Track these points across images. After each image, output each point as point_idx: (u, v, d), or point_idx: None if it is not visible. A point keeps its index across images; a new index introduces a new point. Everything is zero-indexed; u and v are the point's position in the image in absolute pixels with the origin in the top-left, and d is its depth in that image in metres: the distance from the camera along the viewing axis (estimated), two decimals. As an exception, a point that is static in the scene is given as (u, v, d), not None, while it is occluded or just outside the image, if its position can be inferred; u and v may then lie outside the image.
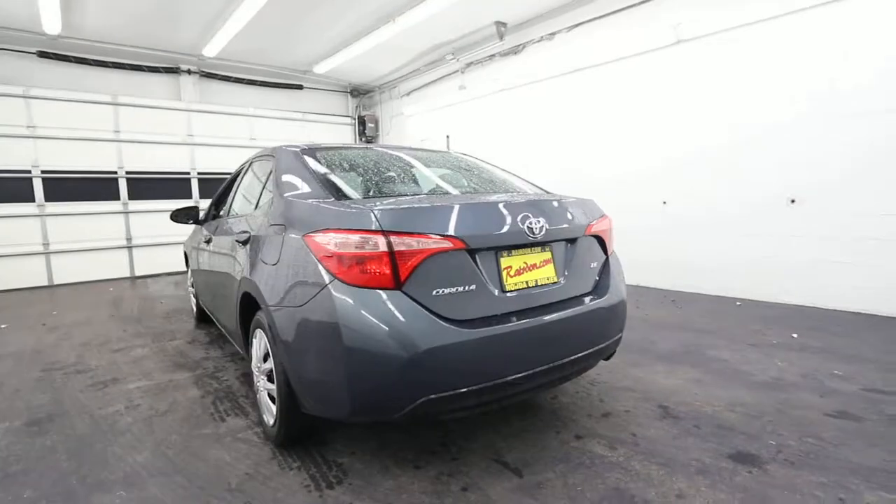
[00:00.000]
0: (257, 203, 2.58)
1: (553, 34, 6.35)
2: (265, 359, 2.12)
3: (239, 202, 3.01)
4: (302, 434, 2.09)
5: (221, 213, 3.79)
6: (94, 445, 2.20)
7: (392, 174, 2.42)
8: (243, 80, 8.49)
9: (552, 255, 2.00)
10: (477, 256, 1.77)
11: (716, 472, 1.86)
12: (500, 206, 1.92)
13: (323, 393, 1.75)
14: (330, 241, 1.69)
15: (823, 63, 4.14)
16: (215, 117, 8.15)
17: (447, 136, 8.35)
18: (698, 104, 5.00)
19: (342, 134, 9.78)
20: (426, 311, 1.63)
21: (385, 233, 1.65)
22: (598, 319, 2.03)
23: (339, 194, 2.03)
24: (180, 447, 2.16)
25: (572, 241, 2.08)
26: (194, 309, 4.48)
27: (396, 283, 1.63)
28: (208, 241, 3.24)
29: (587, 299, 2.04)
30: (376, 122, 9.88)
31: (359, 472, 1.92)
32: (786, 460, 1.94)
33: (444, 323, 1.64)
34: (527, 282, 1.89)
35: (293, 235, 1.88)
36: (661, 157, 5.37)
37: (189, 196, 8.00)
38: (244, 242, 2.34)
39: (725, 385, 2.69)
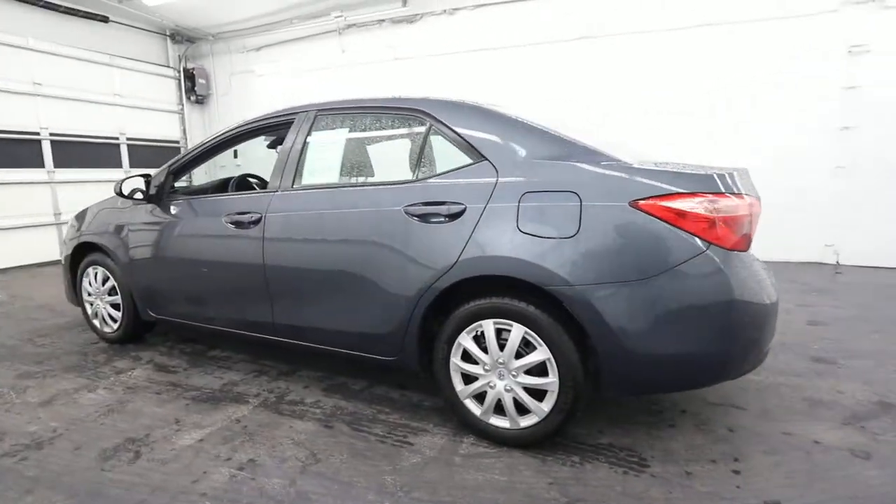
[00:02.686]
0: (417, 169, 2.06)
1: (456, 10, 6.42)
2: (517, 355, 1.81)
3: (344, 170, 2.27)
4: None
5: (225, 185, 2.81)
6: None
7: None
8: (13, -7, 5.75)
9: None
10: None
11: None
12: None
13: (682, 365, 1.66)
14: (698, 205, 1.60)
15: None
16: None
17: (321, 104, 7.48)
18: (604, 94, 5.90)
19: (163, 89, 7.65)
20: (765, 270, 1.74)
21: (740, 195, 1.67)
22: None
23: (597, 154, 1.85)
24: None
25: None
26: (103, 315, 3.09)
27: (749, 244, 1.69)
28: (213, 222, 2.41)
29: None
30: (207, 79, 8.06)
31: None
32: (839, 354, 2.76)
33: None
34: None
35: (606, 203, 1.66)
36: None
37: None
38: (453, 216, 1.87)
39: None
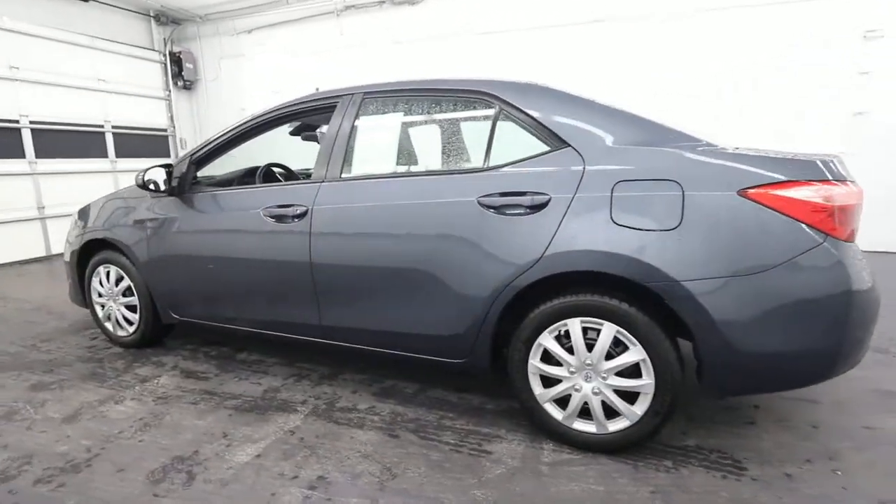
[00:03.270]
0: (487, 156, 1.89)
1: (462, -10, 6.18)
2: (607, 356, 1.69)
3: (400, 158, 2.09)
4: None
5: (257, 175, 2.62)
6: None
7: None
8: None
9: None
10: None
11: None
12: None
13: (790, 362, 1.56)
14: (814, 194, 1.48)
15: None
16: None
17: (317, 89, 7.17)
18: (614, 77, 5.77)
19: (148, 74, 7.22)
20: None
21: (850, 182, 1.56)
22: None
23: (691, 139, 1.72)
24: None
25: None
26: (117, 318, 2.86)
27: (853, 236, 1.59)
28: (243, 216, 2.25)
29: None
30: (195, 63, 7.65)
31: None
32: None
33: None
34: None
35: (711, 193, 1.54)
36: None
37: None
38: (535, 207, 1.72)
39: None
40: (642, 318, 1.63)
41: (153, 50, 7.33)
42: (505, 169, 1.83)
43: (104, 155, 6.60)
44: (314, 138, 3.32)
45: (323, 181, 2.14)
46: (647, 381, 1.66)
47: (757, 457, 1.76)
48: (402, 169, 2.15)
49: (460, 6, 6.22)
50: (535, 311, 1.78)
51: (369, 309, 2.07)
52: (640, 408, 1.69)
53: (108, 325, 2.94)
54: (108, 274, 2.84)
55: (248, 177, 2.84)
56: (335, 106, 2.25)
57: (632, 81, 5.66)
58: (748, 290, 1.52)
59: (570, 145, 1.75)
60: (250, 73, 7.42)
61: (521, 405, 1.90)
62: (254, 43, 7.31)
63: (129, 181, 4.64)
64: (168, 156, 7.47)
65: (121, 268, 2.77)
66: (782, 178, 1.52)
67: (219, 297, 2.47)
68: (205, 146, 2.54)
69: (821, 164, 1.56)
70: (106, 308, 2.91)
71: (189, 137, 7.69)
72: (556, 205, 1.70)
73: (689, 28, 5.42)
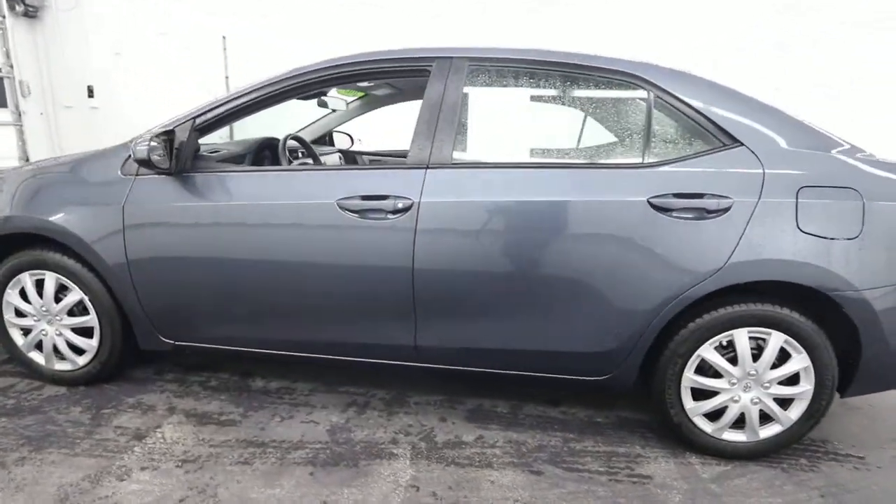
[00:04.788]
0: (645, 150, 1.66)
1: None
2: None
3: (534, 145, 1.69)
4: None
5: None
6: None
7: None
8: None
9: None
10: None
11: None
12: None
13: None
14: None
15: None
16: None
17: (223, 37, 5.93)
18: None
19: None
20: None
21: None
22: None
23: (846, 144, 1.71)
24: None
25: None
26: (55, 346, 2.01)
27: None
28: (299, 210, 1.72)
29: None
30: (34, -18, 5.69)
31: None
32: None
33: None
34: None
35: (890, 202, 1.55)
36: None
37: None
38: (717, 212, 1.56)
39: None
40: (811, 327, 1.61)
41: (-32, -47, 5.26)
42: (671, 166, 1.63)
43: None
44: (325, 104, 2.70)
45: (427, 166, 1.69)
46: (806, 388, 1.66)
47: (859, 443, 1.90)
48: (534, 157, 1.80)
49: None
50: (695, 321, 1.65)
51: (491, 325, 1.72)
52: (794, 413, 1.69)
53: (36, 357, 2.03)
54: (37, 283, 1.94)
55: (264, 150, 2.16)
56: (426, 70, 1.79)
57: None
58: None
59: (743, 144, 1.62)
60: (128, 6, 5.79)
61: (663, 420, 1.78)
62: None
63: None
64: (3, 104, 5.52)
65: (65, 274, 1.91)
66: None
67: (254, 314, 1.85)
68: (214, 107, 1.84)
69: None
70: (34, 333, 2.00)
71: (34, 81, 5.76)
72: (740, 210, 1.56)
73: (648, 7, 5.38)
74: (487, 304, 1.71)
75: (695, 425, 1.75)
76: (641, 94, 1.71)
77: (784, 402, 1.70)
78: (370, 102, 3.08)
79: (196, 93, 5.81)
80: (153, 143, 1.68)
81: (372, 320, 1.79)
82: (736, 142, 1.63)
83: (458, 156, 1.71)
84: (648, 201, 1.58)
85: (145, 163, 1.68)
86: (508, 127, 1.75)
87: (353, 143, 3.56)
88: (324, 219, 1.71)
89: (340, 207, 1.69)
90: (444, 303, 1.72)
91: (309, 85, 1.83)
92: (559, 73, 1.76)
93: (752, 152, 1.62)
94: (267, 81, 1.82)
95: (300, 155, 2.38)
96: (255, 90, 1.82)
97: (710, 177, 1.60)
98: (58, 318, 1.96)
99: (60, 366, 2.03)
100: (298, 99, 1.91)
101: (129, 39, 5.82)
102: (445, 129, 1.71)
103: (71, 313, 1.96)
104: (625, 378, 1.75)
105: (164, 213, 1.81)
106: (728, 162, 1.62)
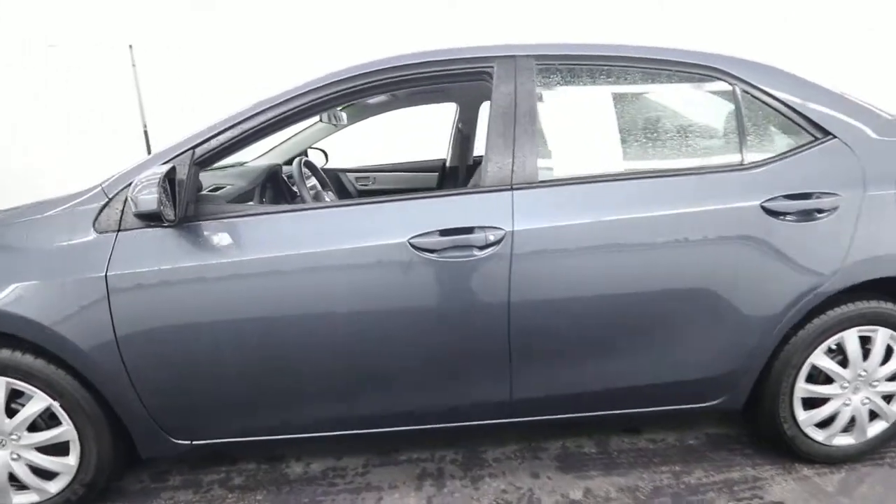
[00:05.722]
0: (741, 148, 1.51)
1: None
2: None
3: (624, 151, 1.45)
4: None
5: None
6: None
7: None
8: None
9: None
10: None
11: None
12: None
13: None
14: None
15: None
16: None
17: (130, 46, 5.07)
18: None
19: None
20: None
21: None
22: None
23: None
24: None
25: None
26: (11, 473, 1.46)
27: None
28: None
29: None
30: None
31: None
32: None
33: None
34: None
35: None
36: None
37: None
38: (825, 210, 1.45)
39: None
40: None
41: None
42: (773, 165, 1.50)
43: None
44: (332, 119, 2.29)
45: (512, 187, 1.42)
46: None
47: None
48: (627, 164, 1.56)
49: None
50: (805, 328, 1.54)
51: (599, 363, 1.49)
52: (896, 406, 1.66)
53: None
54: (-21, 394, 1.38)
55: (272, 181, 1.74)
56: (484, 73, 1.51)
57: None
58: None
59: (836, 137, 1.54)
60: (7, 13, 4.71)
61: (774, 435, 1.67)
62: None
63: None
64: None
65: (18, 376, 1.37)
66: None
67: (306, 390, 1.45)
68: (221, 131, 1.42)
69: None
70: (-24, 462, 1.42)
71: None
72: (848, 206, 1.48)
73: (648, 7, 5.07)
74: (594, 340, 1.48)
75: (807, 436, 1.65)
76: (726, 87, 1.57)
77: (888, 398, 1.66)
78: (355, 114, 2.71)
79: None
80: (141, 194, 1.23)
81: (458, 377, 1.48)
82: (828, 134, 1.54)
83: (543, 171, 1.45)
84: (762, 206, 1.44)
85: (149, 216, 1.23)
86: (592, 133, 1.52)
87: (327, 160, 3.16)
88: (393, 263, 1.37)
89: (414, 247, 1.36)
90: (545, 346, 1.47)
91: (347, 95, 1.47)
92: (639, 70, 1.56)
93: (847, 145, 1.54)
94: (294, 93, 1.43)
95: (313, 176, 1.97)
96: (277, 104, 1.42)
97: (814, 174, 1.50)
98: (13, 437, 1.42)
99: (24, 498, 1.47)
100: (327, 111, 1.53)
101: (14, 49, 4.77)
102: (526, 141, 1.45)
103: (33, 428, 1.42)
104: (735, 401, 1.61)
105: (169, 277, 1.35)
106: (826, 156, 1.52)
